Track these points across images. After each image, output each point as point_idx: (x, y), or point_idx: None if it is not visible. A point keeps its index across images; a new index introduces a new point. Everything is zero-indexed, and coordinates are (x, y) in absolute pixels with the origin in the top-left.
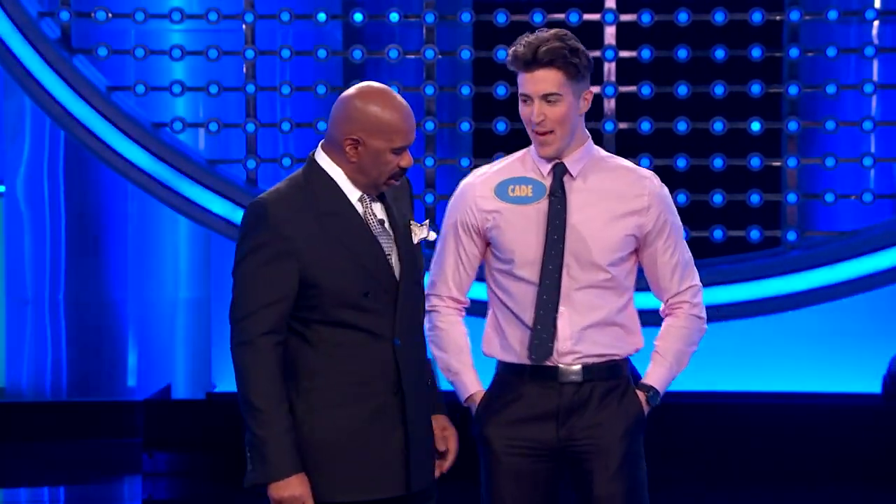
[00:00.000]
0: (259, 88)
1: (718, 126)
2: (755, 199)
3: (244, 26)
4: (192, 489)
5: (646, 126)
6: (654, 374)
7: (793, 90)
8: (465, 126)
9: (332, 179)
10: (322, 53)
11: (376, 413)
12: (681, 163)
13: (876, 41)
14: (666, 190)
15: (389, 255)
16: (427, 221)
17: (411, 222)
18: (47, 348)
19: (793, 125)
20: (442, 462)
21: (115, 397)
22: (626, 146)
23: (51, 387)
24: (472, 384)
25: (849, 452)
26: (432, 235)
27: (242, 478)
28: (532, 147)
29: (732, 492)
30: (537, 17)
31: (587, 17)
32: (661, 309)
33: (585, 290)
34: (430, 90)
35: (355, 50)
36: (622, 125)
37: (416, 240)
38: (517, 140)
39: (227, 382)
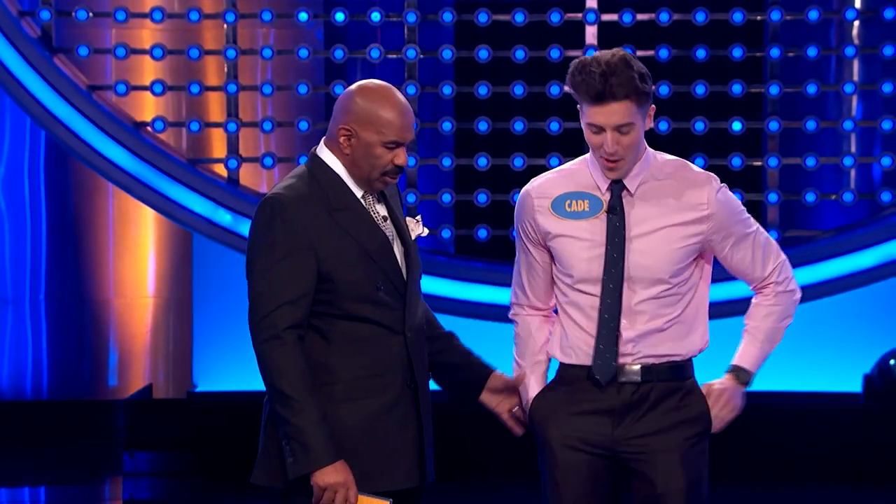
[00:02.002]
0: (241, 88)
1: (700, 126)
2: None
3: (225, 26)
4: (174, 489)
5: None
6: (745, 354)
7: (774, 90)
8: (447, 126)
9: (336, 174)
10: (304, 53)
11: (392, 406)
12: None
13: (856, 41)
14: (725, 189)
15: (394, 249)
16: (419, 217)
17: (407, 219)
18: (28, 348)
19: (774, 125)
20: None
21: (95, 397)
22: None
23: (31, 386)
24: (535, 390)
25: (828, 451)
26: (425, 231)
27: (249, 475)
28: (589, 158)
29: (711, 490)
30: (519, 17)
31: (568, 16)
32: (750, 288)
33: (647, 301)
34: (411, 90)
35: (337, 49)
36: None
37: (413, 236)
38: (499, 139)
39: (208, 382)
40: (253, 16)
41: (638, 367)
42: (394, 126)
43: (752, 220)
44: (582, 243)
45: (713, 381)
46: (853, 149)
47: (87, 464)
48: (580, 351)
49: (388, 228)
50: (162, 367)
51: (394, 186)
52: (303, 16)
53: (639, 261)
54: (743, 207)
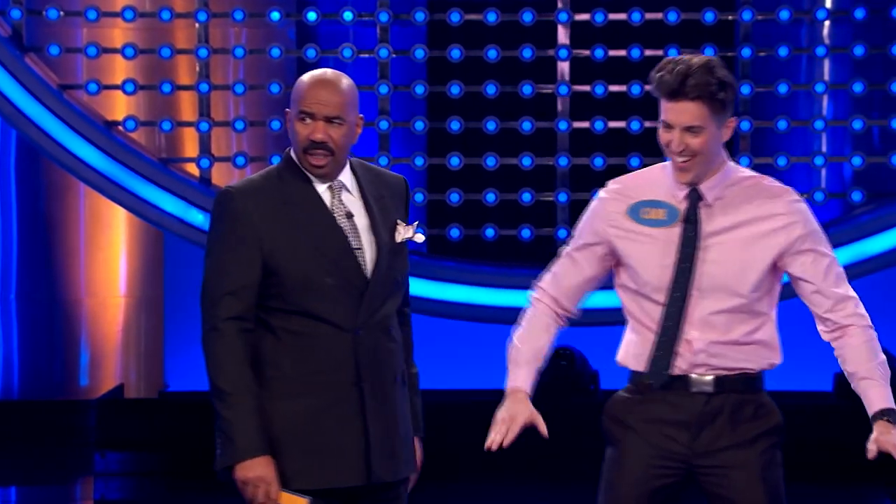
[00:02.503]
0: (213, 87)
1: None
2: None
3: (197, 25)
4: (145, 489)
5: (599, 125)
6: (877, 397)
7: (745, 89)
8: (420, 125)
9: (300, 169)
10: (276, 52)
11: (334, 403)
12: (634, 162)
13: (827, 41)
14: (803, 205)
15: (359, 248)
16: (416, 223)
17: (398, 221)
18: None
19: (745, 124)
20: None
21: (67, 396)
22: (579, 146)
23: (2, 386)
24: (518, 380)
25: (800, 449)
26: (419, 238)
27: (211, 468)
28: (669, 166)
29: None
30: (491, 17)
31: (541, 16)
32: (824, 334)
33: (721, 314)
34: (384, 89)
35: (309, 49)
36: (576, 124)
37: (398, 239)
38: (472, 139)
39: (179, 382)
40: (225, 15)
41: (710, 377)
42: (301, 96)
43: (829, 248)
44: (656, 250)
45: (876, 437)
46: (824, 148)
47: (58, 464)
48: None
49: (352, 225)
50: (133, 366)
51: (397, 188)
52: (275, 15)
53: (712, 270)
54: (824, 234)
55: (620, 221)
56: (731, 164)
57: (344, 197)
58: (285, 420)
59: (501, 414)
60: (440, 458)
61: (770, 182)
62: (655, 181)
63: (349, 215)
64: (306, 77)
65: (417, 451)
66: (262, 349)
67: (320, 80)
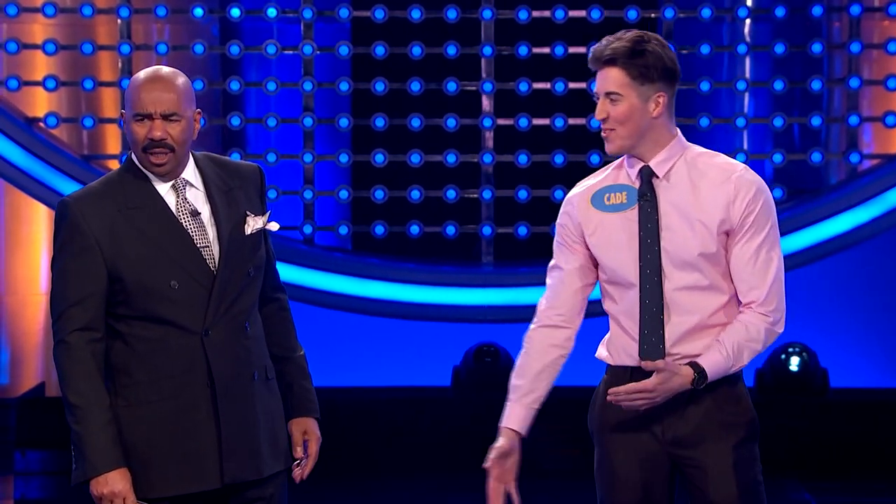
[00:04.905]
0: None
1: (596, 123)
2: None
3: (119, 21)
4: (66, 488)
5: (524, 122)
6: (707, 357)
7: None
8: (344, 122)
9: (141, 172)
10: (199, 49)
11: (187, 407)
12: (558, 159)
13: (748, 39)
14: (760, 183)
15: (207, 246)
16: (268, 213)
17: (247, 213)
18: None
19: None
20: (302, 467)
21: None
22: (504, 142)
23: None
24: (510, 419)
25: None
26: (273, 226)
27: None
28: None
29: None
30: (415, 14)
31: (465, 14)
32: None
33: (682, 291)
34: (308, 86)
35: (233, 45)
36: (500, 121)
37: (248, 230)
38: (396, 136)
39: None
40: (147, 11)
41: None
42: (133, 97)
43: (774, 238)
44: (620, 233)
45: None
46: (745, 145)
47: None
48: (623, 352)
49: (199, 222)
50: (54, 364)
51: (241, 177)
52: (198, 11)
53: (670, 245)
54: (772, 221)
55: (585, 212)
56: (683, 140)
57: (189, 194)
58: (140, 428)
59: None
60: (361, 455)
61: (728, 159)
62: (616, 169)
63: (194, 213)
64: (140, 76)
65: (312, 432)
66: (113, 357)
67: (153, 79)
